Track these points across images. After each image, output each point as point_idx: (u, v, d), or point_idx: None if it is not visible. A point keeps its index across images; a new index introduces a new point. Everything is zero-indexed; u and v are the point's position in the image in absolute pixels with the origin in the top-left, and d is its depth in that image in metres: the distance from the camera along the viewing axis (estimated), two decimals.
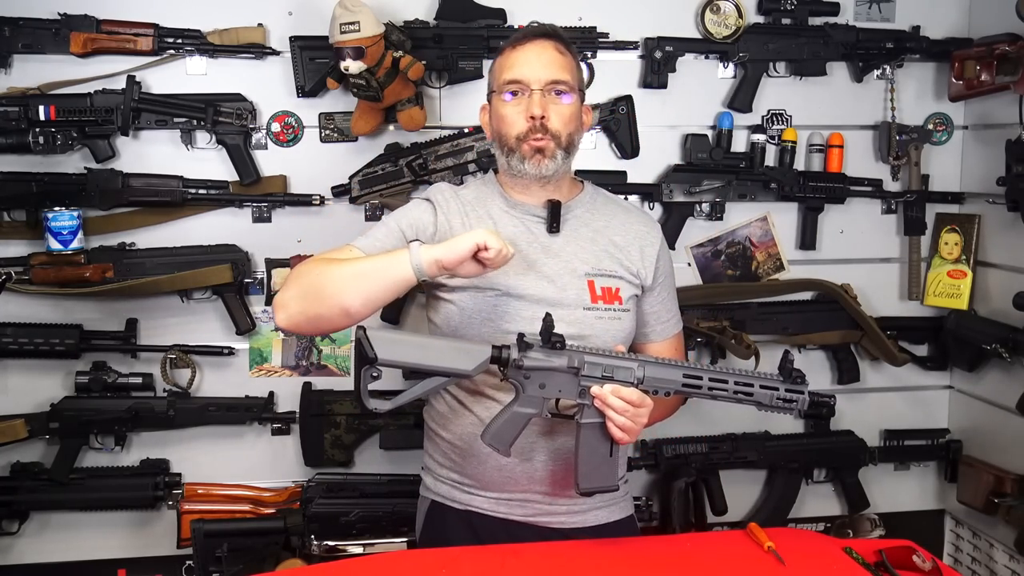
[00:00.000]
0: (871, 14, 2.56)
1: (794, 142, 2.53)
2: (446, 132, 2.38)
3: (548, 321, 1.52)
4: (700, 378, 1.54)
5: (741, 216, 2.58)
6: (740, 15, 2.44)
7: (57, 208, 2.23)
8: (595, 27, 2.42)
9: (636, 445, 2.53)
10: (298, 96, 2.34)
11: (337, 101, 2.37)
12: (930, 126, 2.63)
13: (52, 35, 2.22)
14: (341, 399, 2.42)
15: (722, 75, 2.53)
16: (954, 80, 2.52)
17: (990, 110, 2.54)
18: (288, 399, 2.45)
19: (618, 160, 2.50)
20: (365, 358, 1.47)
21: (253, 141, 2.35)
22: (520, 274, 1.70)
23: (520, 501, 1.73)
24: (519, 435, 1.57)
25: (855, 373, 2.65)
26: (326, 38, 2.20)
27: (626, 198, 2.42)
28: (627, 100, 2.45)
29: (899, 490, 2.77)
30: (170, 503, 2.39)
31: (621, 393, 1.51)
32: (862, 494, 2.67)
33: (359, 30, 2.13)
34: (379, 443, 2.45)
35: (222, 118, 2.29)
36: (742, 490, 2.66)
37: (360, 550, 2.30)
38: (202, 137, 2.33)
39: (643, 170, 2.52)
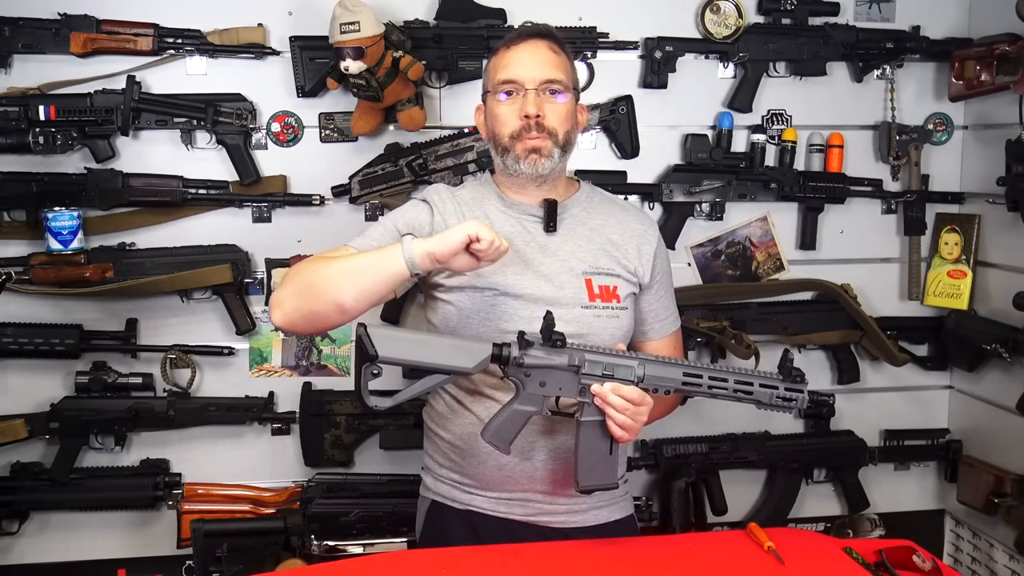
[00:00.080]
0: (871, 14, 2.56)
1: (794, 142, 2.54)
2: (446, 132, 2.38)
3: (549, 319, 1.52)
4: (700, 376, 1.54)
5: (741, 216, 2.58)
6: (740, 15, 2.44)
7: (57, 208, 2.23)
8: (595, 27, 2.41)
9: (636, 445, 2.53)
10: (298, 96, 2.35)
11: (337, 101, 2.38)
12: (930, 126, 2.63)
13: (52, 35, 2.22)
14: (341, 399, 2.42)
15: (722, 75, 2.53)
16: (954, 80, 2.52)
17: (990, 110, 2.54)
18: (288, 399, 2.45)
19: (618, 160, 2.50)
20: (366, 355, 1.47)
21: (253, 141, 2.35)
22: (518, 273, 1.70)
23: (520, 501, 1.73)
24: (519, 433, 1.57)
25: (855, 373, 2.65)
26: (326, 38, 2.20)
27: (626, 198, 2.43)
28: (627, 100, 2.45)
29: (899, 490, 2.76)
30: (170, 503, 2.39)
31: (621, 391, 1.51)
32: (862, 494, 2.67)
33: (359, 30, 2.13)
34: (379, 443, 2.45)
35: (222, 118, 2.29)
36: (742, 490, 2.66)
37: (360, 550, 2.30)
38: (202, 137, 2.33)
39: (643, 170, 2.52)
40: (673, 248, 2.50)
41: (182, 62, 2.31)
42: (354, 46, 2.15)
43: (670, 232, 2.50)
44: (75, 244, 2.25)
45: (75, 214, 2.24)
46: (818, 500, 2.72)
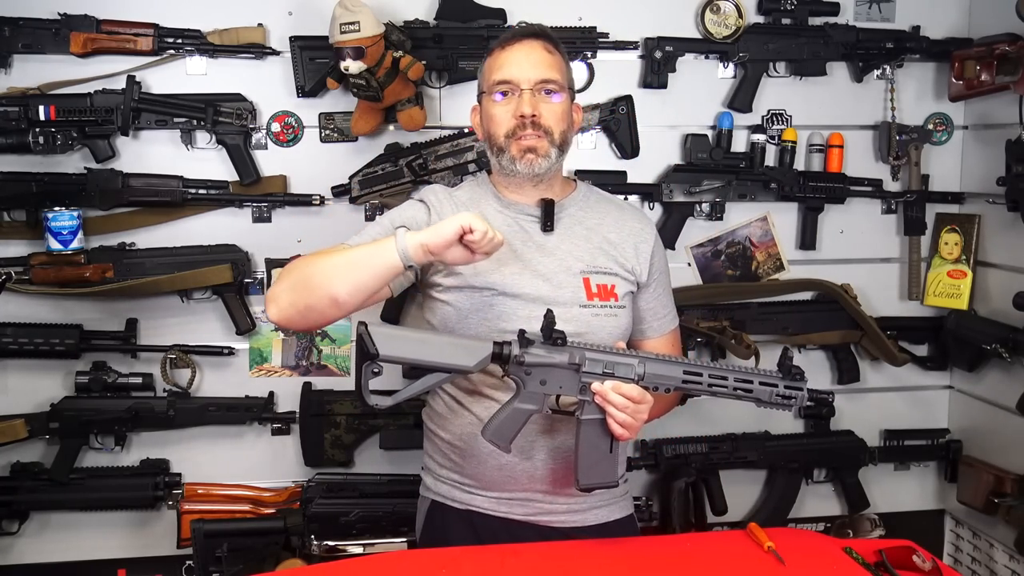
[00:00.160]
0: (871, 14, 2.56)
1: (794, 142, 2.54)
2: (446, 132, 2.38)
3: (550, 317, 1.52)
4: (700, 374, 1.54)
5: (741, 216, 2.58)
6: (740, 15, 2.44)
7: (57, 208, 2.23)
8: (595, 27, 2.41)
9: (636, 445, 2.53)
10: (298, 96, 2.35)
11: (337, 101, 2.38)
12: (930, 126, 2.63)
13: (52, 35, 2.22)
14: (341, 399, 2.42)
15: (722, 75, 2.53)
16: (954, 80, 2.52)
17: (990, 110, 2.54)
18: (288, 399, 2.45)
19: (618, 160, 2.50)
20: (366, 354, 1.48)
21: (253, 141, 2.35)
22: (515, 273, 1.70)
23: (521, 500, 1.72)
24: (520, 431, 1.57)
25: (855, 373, 2.65)
26: (326, 38, 2.20)
27: (626, 198, 2.43)
28: (627, 100, 2.45)
29: (899, 490, 2.76)
30: (170, 503, 2.39)
31: (622, 389, 1.51)
32: (862, 494, 2.66)
33: (359, 30, 2.13)
34: (379, 443, 2.45)
35: (222, 118, 2.29)
36: (742, 490, 2.66)
37: (360, 550, 2.30)
38: (202, 137, 2.33)
39: (643, 170, 2.51)
40: (673, 248, 2.50)
41: (182, 62, 2.31)
42: (354, 46, 2.15)
43: (670, 232, 2.50)
44: (75, 244, 2.25)
45: (75, 214, 2.24)
46: (818, 500, 2.72)
